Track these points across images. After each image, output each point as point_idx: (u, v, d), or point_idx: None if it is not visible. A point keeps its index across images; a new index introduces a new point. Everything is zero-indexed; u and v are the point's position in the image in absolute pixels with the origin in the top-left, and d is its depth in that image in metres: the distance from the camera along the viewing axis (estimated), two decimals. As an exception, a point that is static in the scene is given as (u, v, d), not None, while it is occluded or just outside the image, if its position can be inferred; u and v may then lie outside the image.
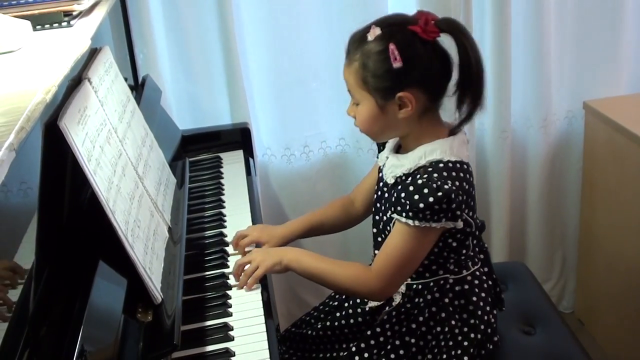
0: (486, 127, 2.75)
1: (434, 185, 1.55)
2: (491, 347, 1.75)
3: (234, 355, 1.52)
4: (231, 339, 1.56)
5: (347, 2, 2.50)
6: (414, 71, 1.60)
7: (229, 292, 1.71)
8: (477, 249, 1.79)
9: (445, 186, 1.55)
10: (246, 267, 1.76)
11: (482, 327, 1.73)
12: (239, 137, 2.49)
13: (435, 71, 1.62)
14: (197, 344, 1.55)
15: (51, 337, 1.28)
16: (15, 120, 1.01)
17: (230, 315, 1.63)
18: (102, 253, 1.40)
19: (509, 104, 2.69)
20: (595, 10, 2.68)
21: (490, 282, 1.81)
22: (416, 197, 1.56)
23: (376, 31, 1.61)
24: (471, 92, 1.63)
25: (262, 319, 1.62)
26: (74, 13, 1.65)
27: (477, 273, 1.77)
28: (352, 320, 1.85)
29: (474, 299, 1.73)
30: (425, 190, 1.55)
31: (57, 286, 1.37)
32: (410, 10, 2.49)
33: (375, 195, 1.80)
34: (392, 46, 1.57)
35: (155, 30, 2.45)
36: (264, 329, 1.59)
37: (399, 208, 1.61)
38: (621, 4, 2.66)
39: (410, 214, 1.57)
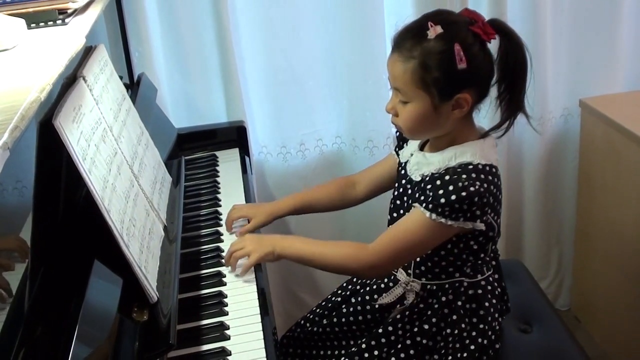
0: (482, 125, 2.74)
1: (460, 184, 1.55)
2: (492, 353, 1.75)
3: (230, 354, 1.51)
4: (227, 337, 1.55)
5: (343, 2, 2.49)
6: (476, 73, 1.59)
7: (225, 290, 1.71)
8: (492, 255, 1.79)
9: (472, 188, 1.54)
10: (237, 253, 1.77)
11: (490, 333, 1.73)
12: (234, 136, 2.49)
13: (488, 73, 1.63)
14: (193, 343, 1.54)
15: (46, 337, 1.28)
16: (10, 119, 1.00)
17: (226, 314, 1.63)
18: (98, 252, 1.39)
19: (505, 101, 2.68)
20: (591, 8, 2.68)
21: (499, 290, 1.82)
22: (440, 192, 1.56)
23: (437, 29, 1.57)
24: (513, 95, 1.64)
25: (259, 318, 1.62)
26: (69, 11, 1.64)
27: (490, 279, 1.77)
28: (360, 317, 1.85)
29: (486, 304, 1.74)
30: (451, 188, 1.55)
31: (52, 285, 1.37)
32: (405, 9, 2.52)
33: (396, 192, 1.80)
34: (457, 47, 1.55)
35: (150, 29, 2.44)
36: (260, 328, 1.58)
37: (422, 198, 1.61)
38: (617, 1, 2.66)
39: (430, 206, 1.58)
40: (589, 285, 2.87)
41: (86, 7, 1.75)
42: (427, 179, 1.64)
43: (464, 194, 1.54)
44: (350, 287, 1.96)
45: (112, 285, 1.39)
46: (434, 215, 1.57)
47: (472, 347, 1.70)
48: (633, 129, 2.38)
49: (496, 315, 1.76)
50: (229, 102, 2.57)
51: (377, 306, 1.81)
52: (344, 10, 2.49)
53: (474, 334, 1.71)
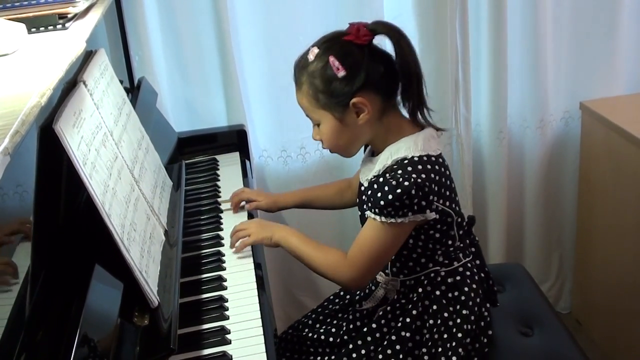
0: (483, 128, 2.75)
1: (394, 182, 1.60)
2: (485, 340, 1.77)
3: (231, 359, 1.51)
4: (228, 342, 1.55)
5: (342, 4, 2.49)
6: (359, 75, 1.64)
7: (225, 295, 1.70)
8: (467, 242, 1.82)
9: (406, 182, 1.59)
10: (239, 233, 1.88)
11: (473, 318, 1.75)
12: (235, 139, 2.49)
13: (379, 71, 1.66)
14: (194, 347, 1.54)
15: (48, 341, 1.28)
16: (10, 124, 1.00)
17: (227, 318, 1.63)
18: (98, 256, 1.39)
19: (505, 104, 2.69)
20: (591, 11, 2.68)
21: (482, 275, 1.83)
22: (378, 194, 1.62)
23: (314, 50, 1.68)
24: (411, 89, 1.68)
25: (259, 322, 1.61)
26: (69, 15, 1.65)
27: (469, 265, 1.80)
28: (350, 325, 1.88)
29: (466, 289, 1.76)
30: (386, 188, 1.60)
31: (54, 290, 1.37)
32: (405, 13, 2.52)
33: (358, 199, 1.84)
34: (331, 58, 1.64)
35: (150, 33, 2.44)
36: (261, 332, 1.58)
37: (369, 204, 1.67)
38: (617, 4, 2.66)
39: (376, 210, 1.63)
40: (590, 288, 2.87)
41: (86, 11, 1.75)
42: (369, 184, 1.70)
43: (399, 190, 1.59)
44: (348, 295, 1.97)
45: (113, 289, 1.39)
46: (382, 218, 1.63)
47: (459, 334, 1.72)
48: (634, 132, 2.37)
49: (478, 300, 1.77)
50: (229, 106, 2.58)
51: (364, 312, 1.85)
52: (345, 14, 2.49)
53: (458, 320, 1.73)
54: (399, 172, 1.62)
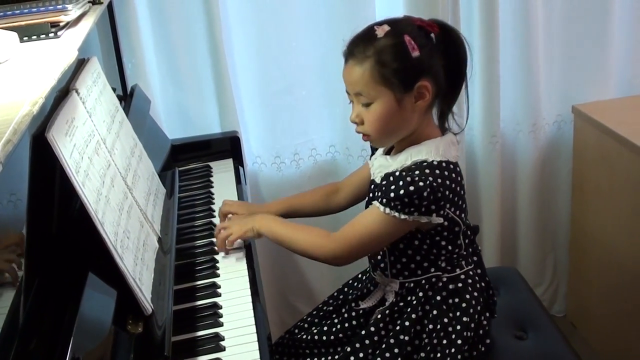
0: (476, 132, 2.76)
1: (409, 179, 1.59)
2: (483, 349, 1.77)
3: (226, 365, 1.51)
4: (222, 349, 1.55)
5: (334, 10, 2.50)
6: (430, 59, 1.64)
7: (219, 301, 1.70)
8: (470, 250, 1.81)
9: (420, 183, 1.58)
10: (221, 234, 1.89)
11: (473, 325, 1.74)
12: (228, 146, 2.49)
13: (441, 64, 1.67)
14: (188, 354, 1.54)
15: (41, 350, 1.28)
16: (2, 133, 1.00)
17: (221, 325, 1.63)
18: (92, 264, 1.39)
19: (498, 109, 2.69)
20: (582, 15, 2.69)
21: (483, 284, 1.83)
22: (392, 187, 1.61)
23: (385, 27, 1.64)
24: (455, 92, 1.71)
25: (254, 329, 1.61)
26: (61, 24, 1.64)
27: (471, 273, 1.79)
28: (347, 324, 1.87)
29: (467, 296, 1.75)
30: (400, 182, 1.60)
31: (47, 298, 1.37)
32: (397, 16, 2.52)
33: (368, 197, 1.84)
34: (407, 37, 1.62)
35: (143, 40, 2.45)
36: (256, 339, 1.58)
37: (378, 194, 1.67)
38: (608, 8, 2.67)
39: (384, 200, 1.63)
40: (584, 291, 2.87)
41: (78, 20, 1.75)
42: (384, 178, 1.68)
43: (412, 188, 1.58)
44: (341, 296, 1.97)
45: (106, 297, 1.39)
46: (387, 210, 1.63)
47: (459, 341, 1.71)
48: (626, 135, 2.38)
49: (479, 308, 1.77)
50: (222, 112, 2.58)
51: (360, 312, 1.84)
52: (336, 20, 2.50)
53: (458, 327, 1.72)
54: (417, 172, 1.61)
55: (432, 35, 1.65)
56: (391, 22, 1.66)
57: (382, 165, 1.75)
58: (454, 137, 1.74)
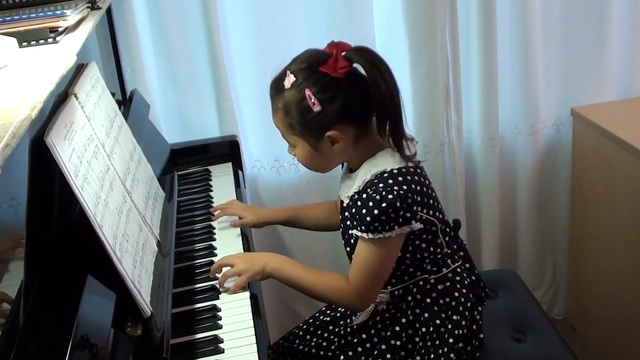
0: (474, 135, 2.76)
1: (377, 196, 1.59)
2: (477, 343, 1.78)
3: (225, 368, 1.52)
4: (221, 351, 1.56)
5: (333, 13, 2.51)
6: (335, 110, 1.63)
7: (218, 304, 1.71)
8: (454, 247, 1.82)
9: (389, 195, 1.58)
10: (226, 269, 1.79)
11: (464, 322, 1.75)
12: (227, 150, 2.50)
13: (355, 102, 1.64)
14: (187, 357, 1.54)
15: (41, 353, 1.28)
16: (1, 137, 1.01)
17: (220, 327, 1.63)
18: (91, 268, 1.40)
19: (496, 112, 2.70)
20: (581, 18, 2.69)
21: (473, 278, 1.84)
22: (363, 211, 1.61)
23: (291, 78, 1.65)
24: (390, 120, 1.64)
25: (252, 331, 1.62)
26: (60, 29, 1.65)
27: (458, 270, 1.80)
28: (342, 341, 1.87)
29: (456, 294, 1.76)
30: (370, 204, 1.60)
31: (46, 301, 1.37)
32: (396, 19, 2.53)
33: (340, 216, 1.82)
34: (307, 92, 1.62)
35: (142, 45, 2.45)
36: (254, 341, 1.58)
37: (354, 223, 1.66)
38: (607, 11, 2.67)
39: (363, 227, 1.62)
40: (584, 294, 2.88)
41: (77, 25, 1.76)
42: (351, 201, 1.69)
43: (384, 205, 1.58)
44: (339, 308, 1.96)
45: (105, 300, 1.39)
46: (370, 235, 1.62)
47: (451, 340, 1.72)
48: (625, 137, 2.39)
49: (469, 304, 1.77)
50: (221, 116, 2.59)
51: (354, 326, 1.83)
52: (335, 24, 2.50)
53: (449, 326, 1.73)
54: (380, 185, 1.61)
55: (341, 80, 1.62)
56: (298, 70, 1.65)
57: (346, 185, 1.75)
58: (408, 141, 1.71)
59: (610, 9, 2.67)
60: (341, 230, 1.82)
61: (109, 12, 2.35)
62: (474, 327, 1.77)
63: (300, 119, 1.64)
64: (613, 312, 2.65)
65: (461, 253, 1.84)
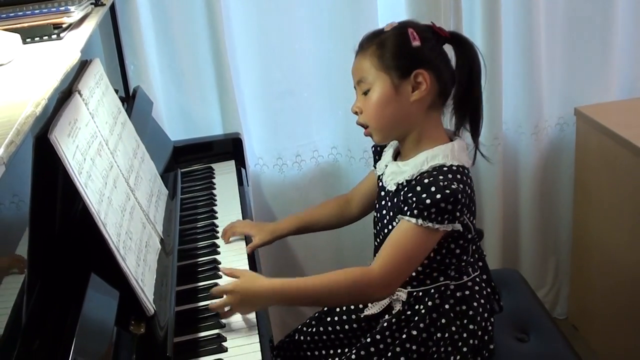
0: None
1: (441, 184, 1.57)
2: (486, 354, 1.76)
3: (228, 366, 1.51)
4: (224, 349, 1.55)
5: (337, 12, 2.50)
6: (431, 53, 1.66)
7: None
8: (476, 256, 1.80)
9: (453, 185, 1.57)
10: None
11: (480, 333, 1.74)
12: (230, 148, 2.50)
13: (445, 66, 1.69)
14: (190, 355, 1.54)
15: (44, 351, 1.28)
16: (5, 134, 1.00)
17: (223, 326, 1.63)
18: (94, 265, 1.39)
19: (500, 111, 2.69)
20: (585, 17, 2.69)
21: (489, 290, 1.82)
22: (424, 195, 1.57)
23: (393, 23, 1.69)
24: (472, 110, 1.71)
25: (256, 330, 1.61)
26: (64, 25, 1.65)
27: (477, 279, 1.78)
28: (347, 326, 1.86)
29: (475, 304, 1.74)
30: (433, 189, 1.57)
31: (49, 299, 1.37)
32: (399, 19, 2.51)
33: (377, 205, 1.80)
34: (410, 29, 1.65)
35: (145, 42, 2.45)
36: (258, 340, 1.58)
37: (405, 208, 1.61)
38: (611, 10, 2.67)
39: (416, 211, 1.58)
40: (586, 294, 2.87)
41: (81, 21, 1.76)
42: (405, 187, 1.66)
43: (447, 191, 1.56)
44: None
45: (109, 298, 1.39)
46: (420, 221, 1.58)
47: (465, 349, 1.71)
48: (628, 137, 2.38)
49: (485, 315, 1.76)
50: (224, 114, 2.58)
51: (362, 317, 1.82)
52: (339, 22, 2.50)
53: (465, 335, 1.71)
54: (440, 177, 1.59)
55: (442, 36, 1.68)
56: (401, 21, 1.71)
57: (394, 172, 1.71)
58: (464, 143, 1.72)
59: (615, 8, 2.67)
60: (376, 218, 1.80)
61: (112, 8, 2.35)
62: (486, 337, 1.76)
63: (395, 50, 1.65)
64: (615, 312, 2.64)
65: (480, 263, 1.81)
